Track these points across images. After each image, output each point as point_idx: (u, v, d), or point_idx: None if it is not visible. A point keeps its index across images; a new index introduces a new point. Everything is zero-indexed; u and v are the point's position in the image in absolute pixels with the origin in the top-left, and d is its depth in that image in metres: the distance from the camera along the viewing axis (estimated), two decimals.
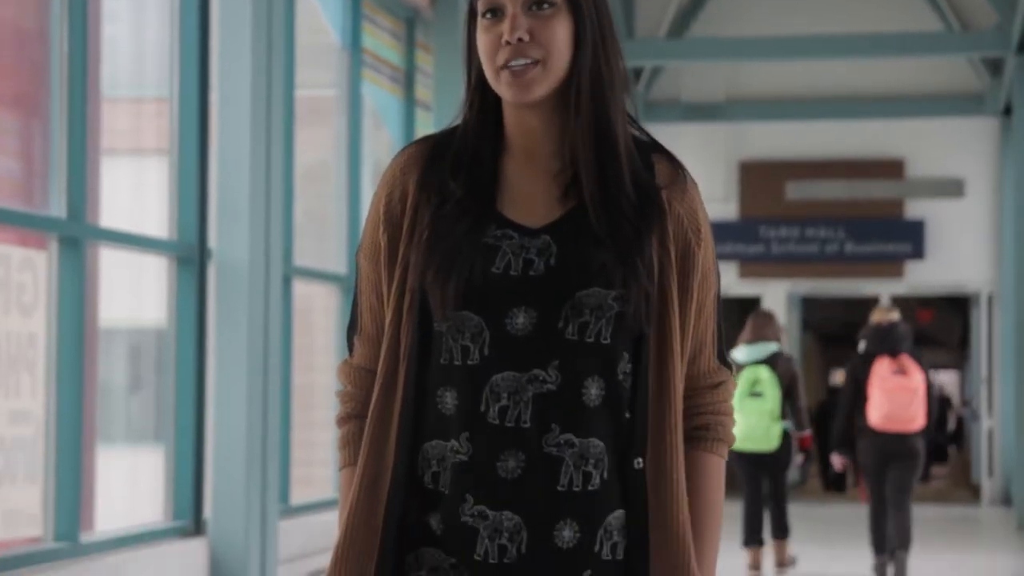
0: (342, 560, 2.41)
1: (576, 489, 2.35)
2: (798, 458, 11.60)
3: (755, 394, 11.04)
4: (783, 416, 11.19)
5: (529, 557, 2.34)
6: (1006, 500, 18.46)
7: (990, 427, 19.44)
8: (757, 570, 11.38)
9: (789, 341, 19.40)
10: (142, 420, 9.94)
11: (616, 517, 2.39)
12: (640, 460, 2.39)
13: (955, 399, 28.94)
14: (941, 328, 25.62)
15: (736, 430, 10.70)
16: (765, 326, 11.38)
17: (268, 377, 9.00)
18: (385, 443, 2.41)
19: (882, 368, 10.60)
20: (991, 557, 13.29)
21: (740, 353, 11.25)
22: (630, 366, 2.41)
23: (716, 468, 2.50)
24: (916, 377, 10.59)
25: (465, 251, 2.37)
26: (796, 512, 13.57)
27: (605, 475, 2.37)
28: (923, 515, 15.46)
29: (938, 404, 11.32)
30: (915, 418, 10.49)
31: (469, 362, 2.37)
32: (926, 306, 24.56)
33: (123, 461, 9.72)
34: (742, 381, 11.02)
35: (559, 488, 2.35)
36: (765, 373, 11.08)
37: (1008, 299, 18.14)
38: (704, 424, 2.50)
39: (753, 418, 11.00)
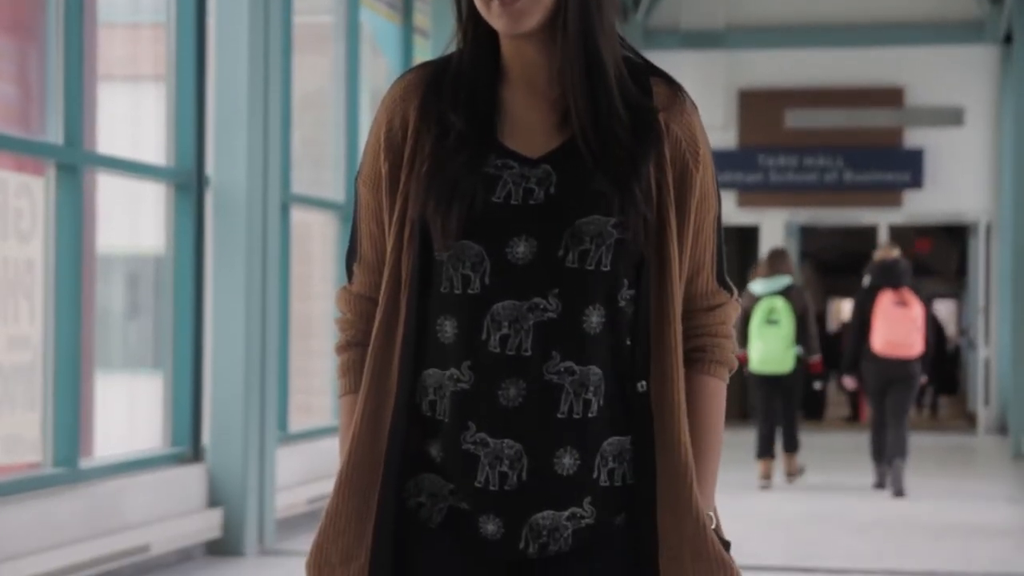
0: (346, 486, 2.41)
1: (576, 416, 2.36)
2: (816, 384, 12.96)
3: (771, 322, 12.38)
4: (796, 342, 12.46)
5: (530, 484, 2.35)
6: (1002, 429, 18.53)
7: (987, 356, 19.48)
8: (768, 479, 12.71)
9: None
10: (140, 347, 9.96)
11: (611, 444, 2.39)
12: (643, 383, 2.40)
13: (952, 328, 28.98)
14: (939, 257, 25.64)
15: (755, 354, 11.17)
16: (780, 261, 12.68)
17: (266, 305, 9.01)
18: (388, 372, 2.41)
19: (885, 300, 11.96)
20: (987, 485, 13.37)
21: (758, 286, 12.64)
22: (631, 292, 2.41)
23: (714, 390, 2.49)
24: (916, 308, 11.96)
25: (466, 181, 2.36)
26: (819, 442, 14.12)
27: (602, 402, 2.38)
28: (920, 443, 15.56)
29: (935, 334, 12.88)
30: (914, 345, 11.93)
31: (470, 291, 2.37)
32: (924, 235, 24.57)
33: (121, 388, 9.75)
34: (760, 310, 12.42)
35: (559, 416, 2.35)
36: (780, 303, 12.40)
37: (1006, 228, 18.13)
38: (701, 346, 2.49)
39: (771, 343, 12.37)
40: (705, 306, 2.50)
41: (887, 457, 12.25)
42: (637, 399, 2.40)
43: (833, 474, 14.01)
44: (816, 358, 12.72)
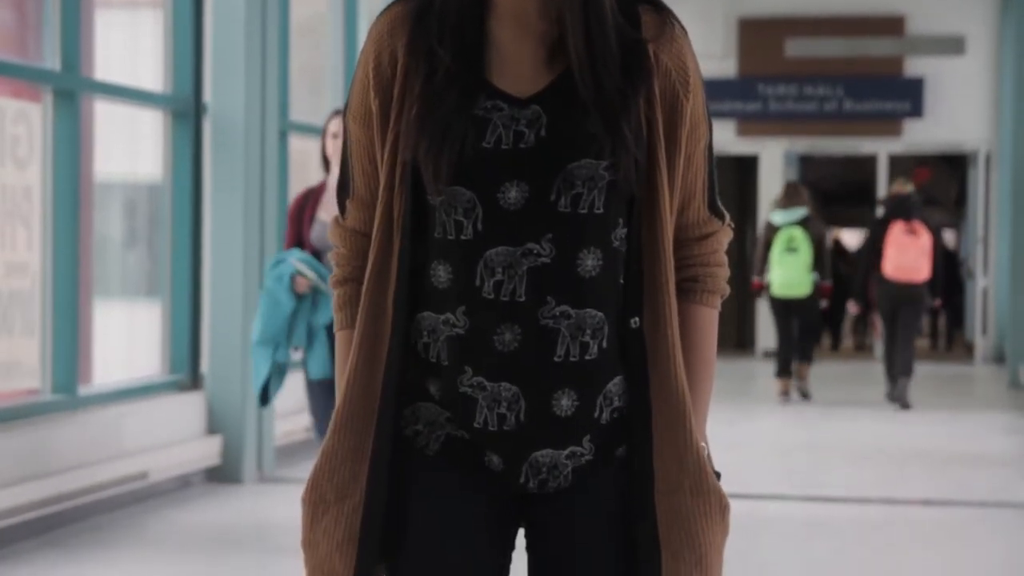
0: (342, 426, 2.41)
1: (573, 359, 2.35)
2: (822, 302, 14.00)
3: (791, 250, 13.51)
4: (813, 268, 13.61)
5: (528, 425, 2.35)
6: (999, 358, 18.56)
7: (985, 286, 19.49)
8: (786, 395, 13.94)
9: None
10: (138, 275, 9.97)
11: (615, 384, 2.39)
12: (636, 319, 2.39)
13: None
14: (938, 187, 25.60)
15: (775, 280, 12.23)
16: (796, 194, 13.86)
17: (264, 232, 9.00)
18: (382, 313, 2.40)
19: (896, 230, 13.27)
20: (983, 414, 13.41)
21: (778, 216, 13.76)
22: (624, 231, 2.39)
23: (707, 319, 2.48)
24: (924, 238, 13.29)
25: (456, 125, 2.33)
26: (821, 371, 14.35)
27: (604, 344, 2.37)
28: (918, 372, 15.58)
29: (944, 262, 14.09)
30: (921, 270, 13.25)
31: (463, 237, 2.35)
32: (924, 164, 24.52)
33: (120, 315, 9.76)
34: (780, 240, 13.53)
35: (556, 359, 2.34)
36: (799, 232, 13.52)
37: (1006, 158, 18.09)
38: (693, 276, 2.48)
39: (790, 270, 13.50)
40: (696, 235, 2.48)
41: (893, 374, 13.57)
42: (631, 335, 2.39)
43: (835, 402, 14.06)
44: (827, 283, 13.79)
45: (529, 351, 2.34)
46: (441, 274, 2.37)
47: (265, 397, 6.87)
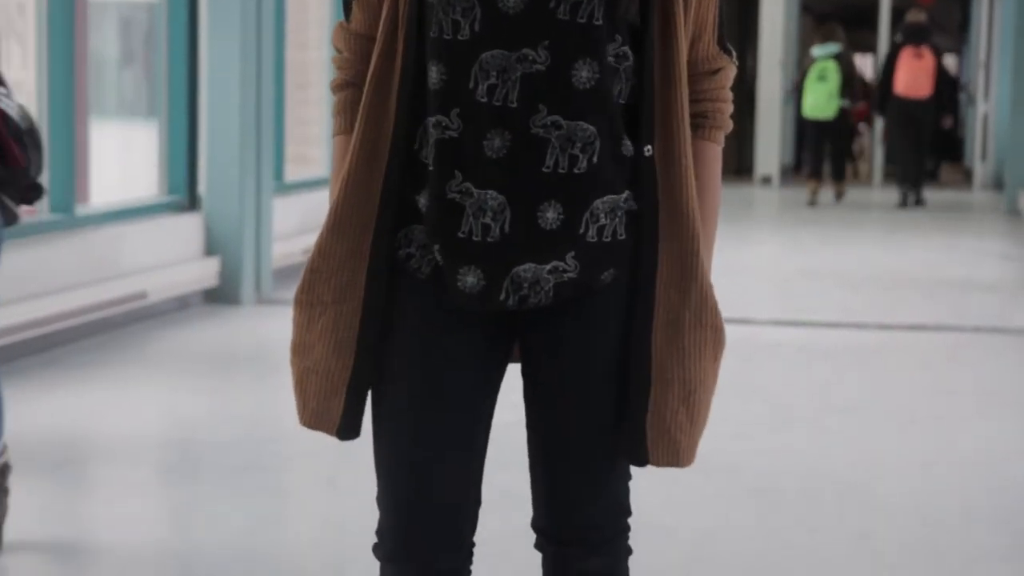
0: (338, 225, 2.41)
1: (561, 171, 2.34)
2: (861, 126, 17.70)
3: (821, 79, 16.16)
4: (841, 96, 16.26)
5: (511, 236, 2.34)
6: (998, 184, 18.55)
7: (985, 111, 19.41)
8: (815, 194, 16.68)
9: (787, 24, 19.27)
10: (134, 95, 9.92)
11: (605, 202, 2.38)
12: (649, 148, 2.38)
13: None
14: (942, 11, 25.38)
15: (807, 103, 14.72)
16: (832, 31, 16.32)
17: (261, 52, 8.92)
18: (384, 112, 2.39)
19: (907, 53, 16.01)
20: (981, 239, 13.44)
21: (816, 50, 16.40)
22: (624, 49, 2.37)
23: (714, 155, 2.49)
24: (928, 60, 15.97)
25: None
26: (821, 196, 14.46)
27: (595, 159, 2.35)
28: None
29: (950, 87, 16.67)
30: (924, 87, 15.99)
31: (459, 37, 2.33)
32: None
33: (116, 135, 9.73)
34: (814, 70, 16.29)
35: (544, 169, 2.33)
36: (831, 64, 16.15)
37: None
38: (703, 111, 2.47)
39: (819, 95, 16.20)
40: (707, 70, 2.48)
41: (909, 183, 16.36)
42: (643, 163, 2.38)
43: (832, 228, 14.10)
44: (860, 106, 16.90)
45: (517, 159, 2.33)
46: (434, 75, 2.35)
47: None
